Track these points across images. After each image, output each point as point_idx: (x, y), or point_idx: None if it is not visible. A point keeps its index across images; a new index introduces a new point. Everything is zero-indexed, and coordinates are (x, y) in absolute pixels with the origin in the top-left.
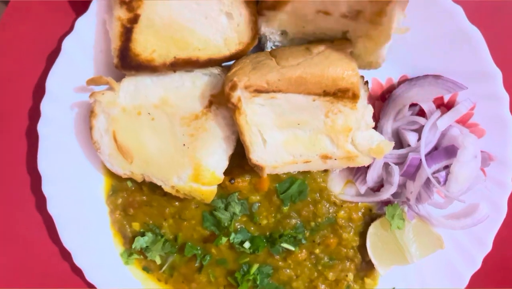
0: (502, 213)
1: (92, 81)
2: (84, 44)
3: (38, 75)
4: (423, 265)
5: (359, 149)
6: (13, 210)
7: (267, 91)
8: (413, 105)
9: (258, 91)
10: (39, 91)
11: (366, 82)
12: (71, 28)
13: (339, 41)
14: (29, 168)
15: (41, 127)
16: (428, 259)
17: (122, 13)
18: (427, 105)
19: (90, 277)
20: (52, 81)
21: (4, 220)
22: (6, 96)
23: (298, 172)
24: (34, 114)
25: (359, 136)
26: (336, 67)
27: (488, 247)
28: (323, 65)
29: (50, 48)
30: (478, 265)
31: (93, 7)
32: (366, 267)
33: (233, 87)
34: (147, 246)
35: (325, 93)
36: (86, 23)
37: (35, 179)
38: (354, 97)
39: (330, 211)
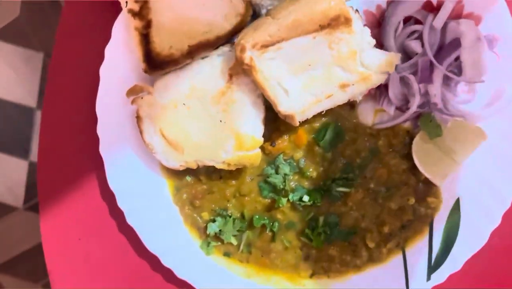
0: None
1: (130, 91)
2: (117, 67)
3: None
4: (476, 165)
5: (370, 68)
6: (98, 231)
7: (272, 44)
8: (407, 20)
9: (265, 46)
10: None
11: (357, 10)
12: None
13: None
14: (103, 191)
15: (103, 150)
16: (478, 158)
17: (137, 23)
18: (419, 14)
19: (181, 275)
20: (100, 107)
21: (93, 240)
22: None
23: (329, 117)
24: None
25: (366, 57)
26: (322, 1)
27: None
28: (310, 4)
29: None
30: None
31: (115, 32)
32: (424, 188)
33: (243, 50)
34: (220, 230)
35: (321, 27)
36: (113, 48)
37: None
38: (347, 21)
39: (370, 143)
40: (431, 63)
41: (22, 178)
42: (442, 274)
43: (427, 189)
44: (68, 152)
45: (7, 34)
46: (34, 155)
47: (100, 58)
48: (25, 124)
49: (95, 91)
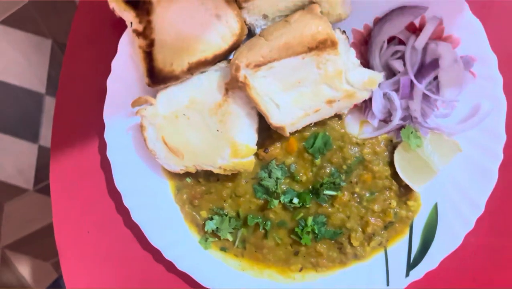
0: (502, 104)
1: (135, 103)
2: (123, 79)
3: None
4: (454, 173)
5: (355, 86)
6: (106, 226)
7: (264, 63)
8: (392, 39)
9: (258, 65)
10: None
11: (344, 32)
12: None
13: (308, 6)
14: (110, 189)
15: (110, 154)
16: (455, 166)
17: (140, 42)
18: (403, 34)
19: (181, 267)
20: (107, 115)
21: (101, 234)
22: (79, 132)
23: (318, 126)
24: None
25: (351, 75)
26: (311, 26)
27: (503, 137)
28: (300, 28)
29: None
30: (500, 156)
31: (121, 47)
32: (405, 192)
33: (237, 69)
34: (217, 227)
35: (310, 49)
36: (120, 61)
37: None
38: (333, 44)
39: (356, 151)
40: (412, 81)
41: (32, 161)
42: (420, 271)
43: (408, 193)
44: (79, 154)
45: (16, 20)
46: (43, 139)
47: (108, 69)
48: (34, 109)
49: (103, 99)
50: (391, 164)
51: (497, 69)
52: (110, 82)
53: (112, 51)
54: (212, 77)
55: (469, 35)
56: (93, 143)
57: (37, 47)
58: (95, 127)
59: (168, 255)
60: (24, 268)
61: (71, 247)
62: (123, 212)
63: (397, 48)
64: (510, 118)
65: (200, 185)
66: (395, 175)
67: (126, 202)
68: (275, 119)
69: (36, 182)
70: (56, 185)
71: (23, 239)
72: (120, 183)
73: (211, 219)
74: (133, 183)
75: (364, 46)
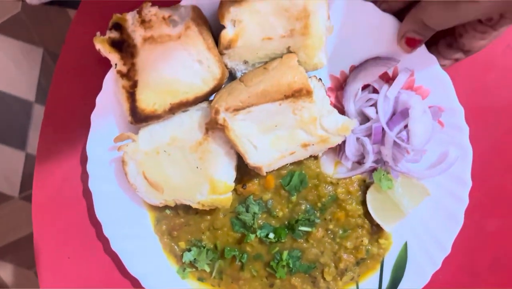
0: (468, 152)
1: (117, 139)
2: (106, 114)
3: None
4: (423, 215)
5: (329, 132)
6: (86, 253)
7: (243, 108)
8: (366, 86)
9: (236, 109)
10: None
11: (320, 79)
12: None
13: (286, 55)
14: (91, 216)
15: (92, 185)
16: (424, 209)
17: (124, 83)
18: (376, 83)
19: None
20: (91, 148)
21: (81, 260)
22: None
23: (295, 165)
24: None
25: (325, 122)
26: (287, 75)
27: (469, 183)
28: (278, 77)
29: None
30: (466, 201)
31: (105, 84)
32: (377, 230)
33: (217, 112)
34: (194, 258)
35: (286, 97)
36: (104, 98)
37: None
38: (308, 93)
39: (330, 190)
40: (383, 128)
41: (19, 168)
42: None
43: (379, 232)
44: (62, 181)
45: (8, 28)
46: (30, 147)
47: (93, 103)
48: (23, 116)
49: (88, 127)
50: (363, 203)
51: (464, 120)
52: (94, 117)
53: (98, 86)
54: (194, 117)
55: (438, 87)
56: (76, 171)
57: (28, 55)
58: (79, 155)
59: (146, 284)
60: (7, 276)
61: (51, 271)
62: (104, 239)
63: (371, 96)
64: (475, 165)
65: (179, 217)
66: (367, 214)
67: (106, 231)
68: (252, 160)
69: (22, 190)
70: (38, 211)
71: (7, 246)
72: (100, 213)
73: (189, 250)
74: (114, 213)
75: (340, 92)
